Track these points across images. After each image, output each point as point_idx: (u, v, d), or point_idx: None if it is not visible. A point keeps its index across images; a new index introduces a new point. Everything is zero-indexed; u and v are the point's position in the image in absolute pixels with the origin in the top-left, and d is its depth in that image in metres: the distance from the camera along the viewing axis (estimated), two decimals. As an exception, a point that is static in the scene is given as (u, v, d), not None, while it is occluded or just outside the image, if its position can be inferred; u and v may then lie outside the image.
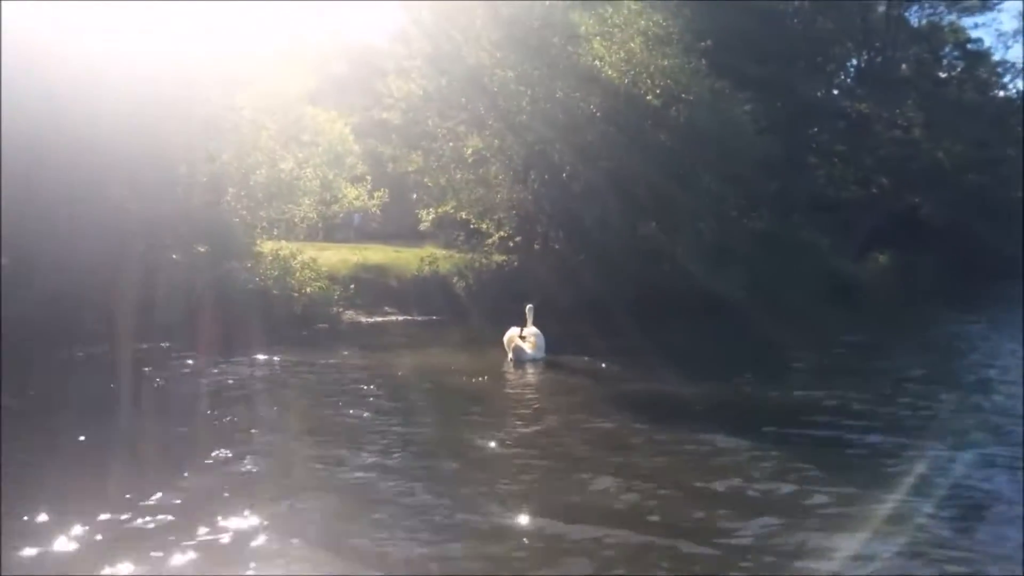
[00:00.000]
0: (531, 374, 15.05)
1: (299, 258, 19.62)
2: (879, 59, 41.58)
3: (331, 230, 31.83)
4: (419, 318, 22.03)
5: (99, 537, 7.02)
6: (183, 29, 16.28)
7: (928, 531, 7.36)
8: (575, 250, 23.66)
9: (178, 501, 7.81)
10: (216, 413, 11.35)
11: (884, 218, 37.04)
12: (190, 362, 14.73)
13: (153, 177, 16.24)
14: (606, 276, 22.03)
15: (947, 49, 44.66)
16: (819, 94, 39.97)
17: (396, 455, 9.47)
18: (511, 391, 13.80)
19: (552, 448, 9.85)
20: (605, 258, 22.72)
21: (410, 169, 25.63)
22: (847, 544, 6.98)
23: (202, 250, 17.59)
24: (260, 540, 7.04)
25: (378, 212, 24.13)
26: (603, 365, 15.64)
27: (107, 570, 6.46)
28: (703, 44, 24.67)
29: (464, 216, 25.50)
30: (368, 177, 21.74)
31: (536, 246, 25.13)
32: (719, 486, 8.37)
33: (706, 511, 7.65)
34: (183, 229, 17.11)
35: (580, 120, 23.03)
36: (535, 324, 16.51)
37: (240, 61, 17.79)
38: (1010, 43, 52.28)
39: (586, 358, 16.04)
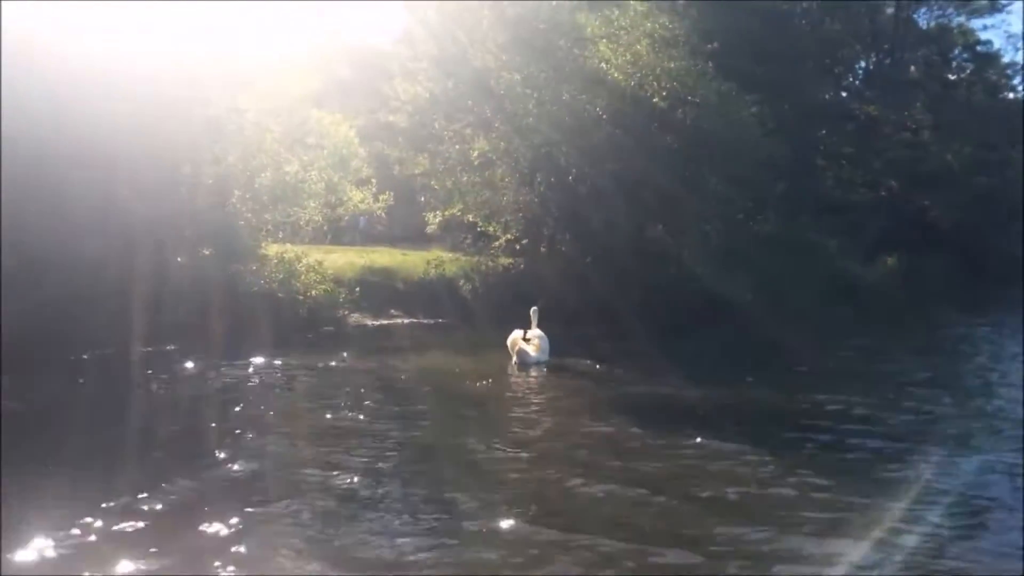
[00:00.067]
0: (534, 377, 15.02)
1: (304, 261, 19.59)
2: (888, 61, 41.48)
3: (338, 233, 31.90)
4: (425, 321, 22.01)
5: (99, 538, 7.06)
6: (185, 30, 16.28)
7: (928, 536, 7.33)
8: (581, 252, 23.58)
9: (179, 502, 7.88)
10: (218, 415, 11.38)
11: (893, 220, 36.86)
12: (195, 365, 14.75)
13: (158, 179, 16.24)
14: (612, 279, 21.96)
15: (956, 51, 44.52)
16: (827, 96, 39.85)
17: (393, 458, 9.49)
18: (513, 394, 13.76)
19: (551, 452, 9.84)
20: (611, 260, 22.65)
21: (416, 172, 25.63)
22: (847, 550, 6.95)
23: (207, 253, 17.60)
24: (259, 540, 7.09)
25: (383, 215, 24.11)
26: (607, 368, 15.63)
27: (107, 570, 6.50)
28: (710, 46, 24.61)
29: (471, 219, 25.48)
30: (373, 180, 21.69)
31: (543, 249, 25.09)
32: (718, 492, 8.33)
33: (704, 517, 7.61)
34: (188, 231, 17.12)
35: (586, 122, 22.96)
36: (539, 326, 16.49)
37: (243, 63, 17.76)
38: (1019, 45, 52.18)
39: (590, 361, 16.03)
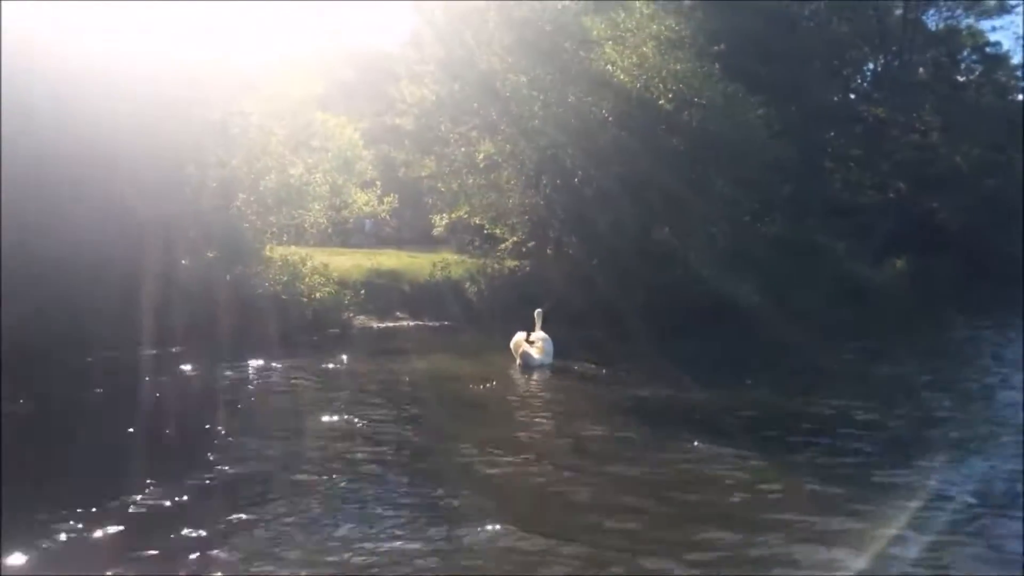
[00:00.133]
0: (538, 380, 14.97)
1: (309, 263, 19.59)
2: (896, 63, 41.32)
3: (346, 235, 31.95)
4: (430, 323, 21.99)
5: (98, 538, 7.08)
6: (189, 31, 16.33)
7: (928, 539, 7.28)
8: (587, 254, 23.56)
9: (179, 503, 7.90)
10: (217, 417, 11.40)
11: (901, 223, 36.73)
12: (198, 367, 14.73)
13: (162, 181, 16.30)
14: (618, 281, 21.91)
15: (965, 53, 44.32)
16: (835, 98, 39.76)
17: (388, 461, 9.52)
18: (515, 397, 13.71)
19: (548, 455, 9.80)
20: (617, 262, 22.62)
21: (423, 174, 25.66)
22: (846, 555, 6.91)
23: (212, 255, 17.64)
24: (255, 541, 7.13)
25: (388, 217, 24.12)
26: (611, 370, 15.59)
27: (106, 570, 6.50)
28: (716, 48, 24.61)
29: (477, 221, 25.51)
30: (378, 182, 21.69)
31: (549, 251, 25.08)
32: (717, 497, 8.28)
33: (702, 523, 7.55)
34: (193, 234, 17.16)
35: (592, 124, 22.95)
36: (544, 329, 16.46)
37: (247, 65, 17.80)
38: (1029, 46, 51.88)
39: (594, 364, 15.96)
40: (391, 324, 21.59)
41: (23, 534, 6.97)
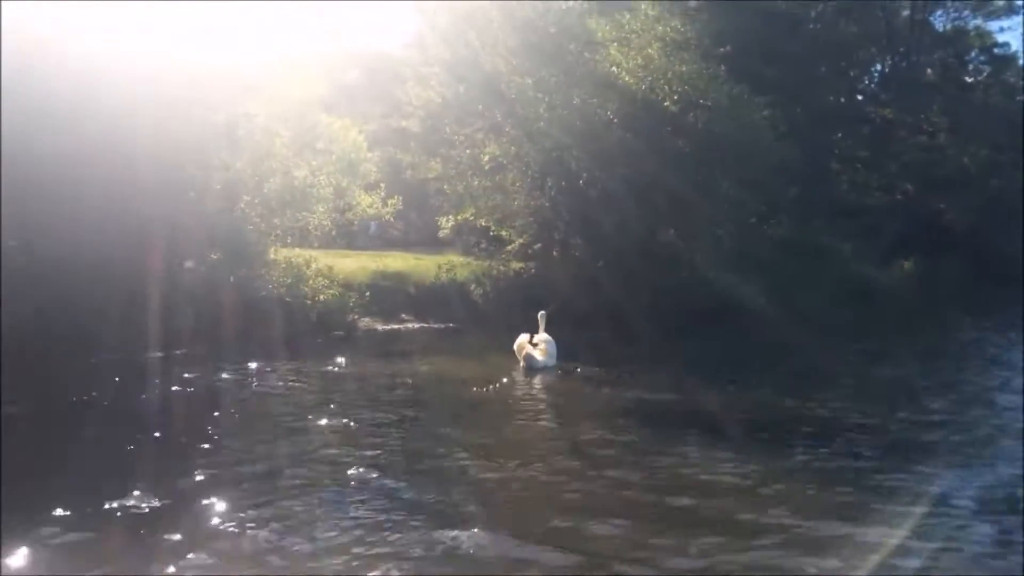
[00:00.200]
0: (541, 382, 14.91)
1: (313, 266, 19.62)
2: (903, 64, 41.23)
3: (351, 237, 32.01)
4: (435, 325, 22.01)
5: (99, 539, 7.09)
6: (194, 33, 16.37)
7: (928, 540, 7.25)
8: (593, 256, 23.56)
9: (180, 504, 7.89)
10: (219, 418, 11.43)
11: (909, 224, 36.65)
12: (201, 369, 14.73)
13: (166, 183, 16.33)
14: (623, 282, 21.90)
15: (973, 53, 44.21)
16: (842, 99, 39.70)
17: (387, 463, 9.42)
18: (517, 399, 13.66)
19: (548, 459, 9.70)
20: (622, 264, 22.61)
21: (429, 176, 25.70)
22: (845, 560, 6.87)
23: (216, 257, 17.68)
24: (257, 542, 7.10)
25: (392, 219, 24.15)
26: (615, 373, 15.53)
27: (106, 570, 6.53)
28: (722, 49, 24.61)
29: (483, 223, 25.53)
30: (382, 184, 21.71)
31: (555, 253, 25.09)
32: (717, 503, 8.13)
33: (700, 529, 7.41)
34: (197, 236, 17.19)
35: (597, 126, 22.95)
36: (548, 330, 16.45)
37: (252, 67, 17.83)
38: (1038, 47, 51.65)
39: (598, 367, 15.90)
40: (396, 326, 21.60)
41: (24, 535, 6.97)
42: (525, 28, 23.42)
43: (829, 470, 9.46)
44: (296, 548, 7.00)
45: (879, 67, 43.15)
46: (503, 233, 25.37)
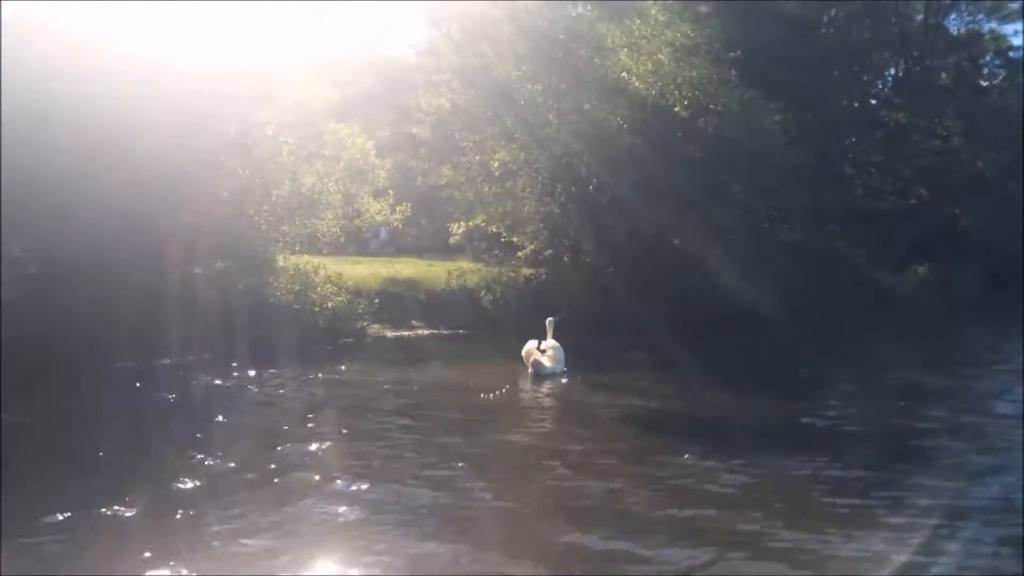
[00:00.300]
0: (549, 388, 14.91)
1: (322, 272, 19.61)
2: (917, 68, 41.00)
3: (363, 244, 32.07)
4: (445, 332, 21.94)
5: (96, 542, 7.20)
6: (204, 41, 16.39)
7: (928, 541, 7.20)
8: (603, 263, 23.48)
9: (180, 504, 8.05)
10: (223, 423, 11.56)
11: (923, 229, 36.42)
12: (209, 376, 14.79)
13: (175, 191, 16.36)
14: (634, 289, 21.84)
15: (987, 57, 43.92)
16: (855, 104, 39.49)
17: (388, 467, 9.48)
18: (523, 407, 13.68)
19: (550, 466, 9.73)
20: (634, 270, 22.56)
21: (440, 183, 25.69)
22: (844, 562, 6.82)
23: (224, 265, 17.69)
24: (256, 542, 7.26)
25: (401, 226, 24.13)
26: (625, 380, 15.52)
27: (106, 570, 6.65)
28: (733, 54, 24.44)
29: (494, 230, 25.51)
30: (391, 191, 21.69)
31: (565, 259, 25.03)
32: (716, 513, 8.13)
33: (699, 541, 7.39)
34: (206, 243, 17.20)
35: (607, 132, 22.87)
36: (558, 337, 16.42)
37: (263, 75, 17.84)
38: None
39: (606, 375, 15.86)
40: (406, 333, 21.55)
41: (23, 537, 7.13)
42: (535, 35, 23.39)
43: (834, 479, 9.45)
44: (286, 553, 7.08)
45: (893, 71, 42.93)
46: (514, 239, 25.32)
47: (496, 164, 23.77)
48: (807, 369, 17.12)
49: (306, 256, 20.28)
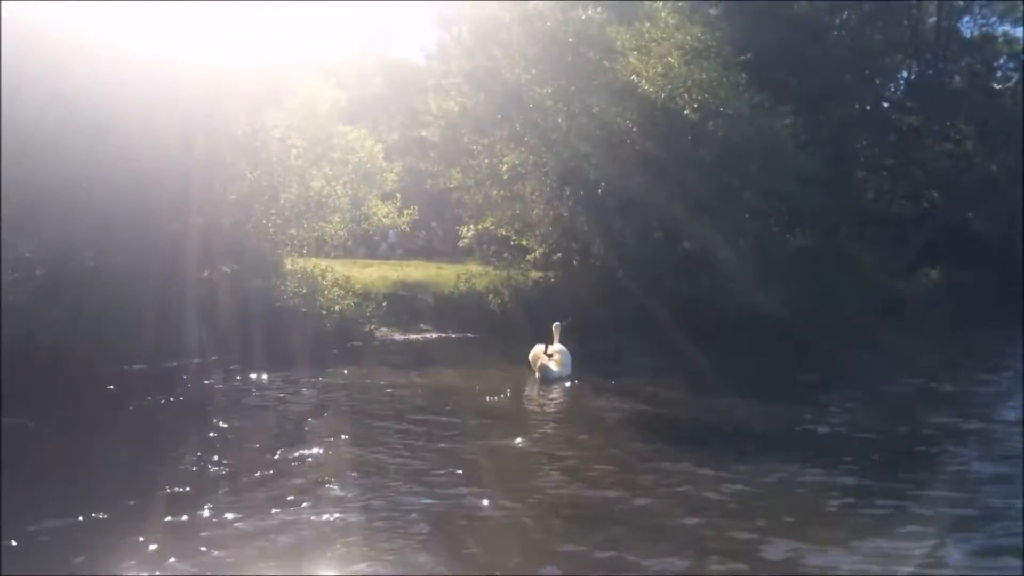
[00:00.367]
0: (555, 393, 14.86)
1: (329, 276, 19.60)
2: (930, 71, 40.72)
3: (374, 247, 32.13)
4: (453, 335, 21.93)
5: (99, 539, 7.27)
6: (213, 44, 16.41)
7: (928, 541, 7.16)
8: (613, 266, 23.42)
9: (182, 506, 8.10)
10: (227, 425, 11.57)
11: (935, 233, 36.24)
12: (214, 379, 14.81)
13: (183, 194, 16.38)
14: (644, 292, 21.80)
15: (1001, 60, 43.60)
16: (867, 107, 39.26)
17: (390, 471, 9.47)
18: (528, 411, 13.63)
19: (553, 472, 9.69)
20: (643, 274, 22.48)
21: (450, 186, 25.69)
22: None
23: (232, 268, 17.70)
24: (256, 543, 7.29)
25: (408, 229, 24.14)
26: (633, 384, 15.43)
27: (106, 570, 6.71)
28: (743, 57, 24.35)
29: (503, 233, 25.49)
30: (398, 194, 21.67)
31: (574, 262, 24.99)
32: (715, 526, 8.02)
33: (698, 555, 7.33)
34: (213, 247, 17.21)
35: (616, 135, 22.83)
36: (566, 341, 16.39)
37: (271, 78, 17.85)
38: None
39: (613, 380, 15.76)
40: (414, 336, 21.54)
41: (24, 535, 7.19)
42: (544, 37, 23.36)
43: (837, 487, 9.34)
44: (286, 555, 7.12)
45: (905, 74, 42.58)
46: (523, 242, 25.30)
47: (505, 167, 23.73)
48: (815, 374, 17.03)
49: (314, 259, 20.29)
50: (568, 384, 15.49)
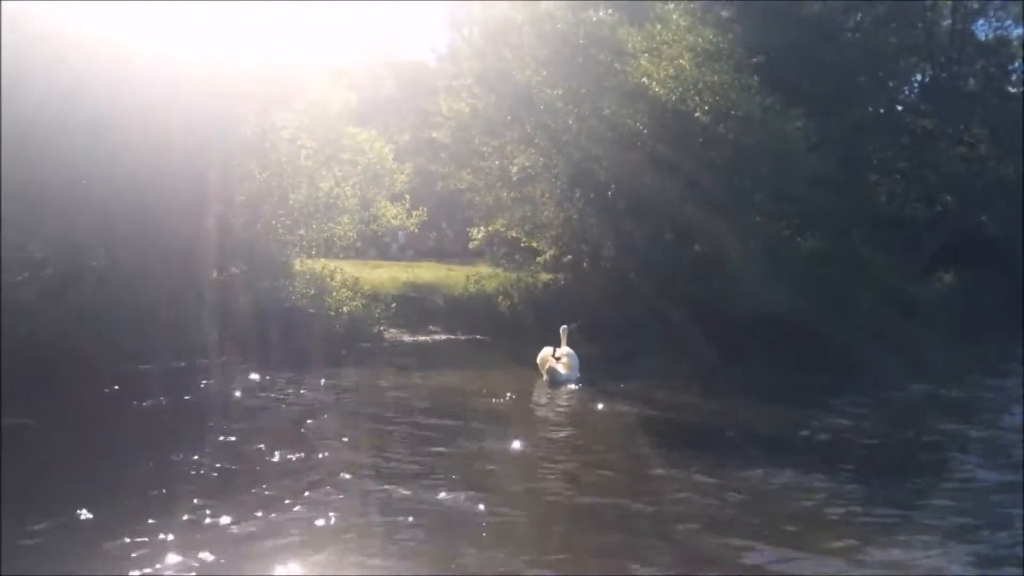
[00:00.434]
0: (561, 396, 14.81)
1: (338, 276, 19.59)
2: (944, 74, 40.51)
3: (384, 248, 32.14)
4: (462, 337, 21.89)
5: (98, 539, 7.26)
6: (224, 46, 16.41)
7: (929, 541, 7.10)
8: (623, 268, 23.36)
9: (182, 506, 8.11)
10: (231, 426, 11.54)
11: (949, 236, 36.03)
12: (221, 380, 14.82)
13: (191, 194, 16.38)
14: (655, 295, 21.73)
15: (1016, 63, 43.33)
16: (881, 110, 39.06)
17: (392, 474, 9.47)
18: (533, 415, 13.59)
19: (557, 476, 9.64)
20: (653, 276, 22.41)
21: (461, 187, 25.68)
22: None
23: (240, 269, 17.70)
24: (256, 543, 7.34)
25: (416, 231, 24.14)
26: (640, 388, 15.41)
27: (106, 570, 6.71)
28: (755, 59, 24.26)
29: (514, 234, 25.46)
30: (407, 195, 21.66)
31: (585, 264, 24.94)
32: (717, 533, 7.97)
33: (698, 564, 7.28)
34: (222, 247, 17.21)
35: (627, 137, 22.77)
36: (575, 344, 16.35)
37: (281, 78, 17.84)
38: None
39: (622, 383, 15.72)
40: (423, 338, 21.51)
41: (24, 535, 7.21)
42: (555, 39, 23.31)
43: (840, 495, 9.29)
44: (286, 555, 7.14)
45: (919, 77, 42.38)
46: (533, 244, 25.28)
47: (515, 169, 23.71)
48: (825, 378, 16.96)
49: (323, 260, 20.28)
50: (576, 387, 15.42)
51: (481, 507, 8.33)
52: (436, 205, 28.90)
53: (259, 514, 7.90)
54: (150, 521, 7.59)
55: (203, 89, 16.11)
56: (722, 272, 23.24)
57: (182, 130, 15.85)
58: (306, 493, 8.57)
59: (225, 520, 7.75)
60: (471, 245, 27.30)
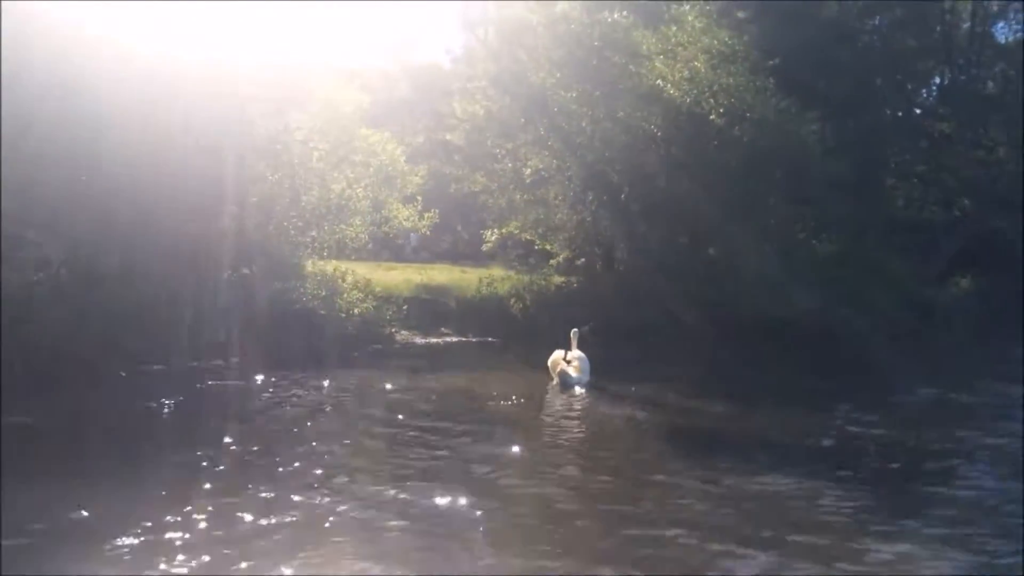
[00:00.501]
0: (574, 399, 14.71)
1: (349, 278, 19.59)
2: (963, 77, 40.24)
3: (398, 250, 32.17)
4: (474, 339, 21.82)
5: (99, 539, 7.22)
6: (235, 44, 16.44)
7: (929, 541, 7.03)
8: (636, 271, 23.30)
9: (184, 506, 8.05)
10: (236, 427, 11.51)
11: (966, 240, 35.76)
12: (233, 380, 14.83)
13: (204, 196, 16.42)
14: (667, 298, 21.68)
15: (1036, 66, 43.05)
16: (899, 113, 38.84)
17: (397, 475, 9.41)
18: (541, 418, 13.46)
19: (563, 479, 9.57)
20: (666, 280, 22.35)
21: (475, 189, 25.68)
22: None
23: (251, 270, 17.73)
24: (256, 543, 7.30)
25: (428, 232, 24.15)
26: (652, 391, 15.25)
27: (106, 570, 6.70)
28: (771, 62, 24.16)
29: (527, 237, 25.44)
30: (419, 197, 21.66)
31: (598, 267, 24.90)
32: (717, 539, 7.86)
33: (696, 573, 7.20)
34: (234, 248, 17.25)
35: (641, 140, 22.73)
36: (587, 347, 16.28)
37: (294, 80, 17.87)
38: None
39: (633, 386, 15.57)
40: (435, 340, 21.45)
41: (24, 536, 7.20)
42: (570, 41, 23.28)
43: (842, 501, 9.10)
44: (286, 555, 7.09)
45: (937, 80, 42.10)
46: (547, 247, 25.25)
47: (529, 171, 23.72)
48: (836, 382, 16.81)
49: (334, 262, 20.28)
50: (588, 390, 15.34)
51: (481, 511, 8.26)
52: (450, 207, 28.93)
53: (259, 514, 7.86)
54: (150, 521, 7.57)
55: (206, 89, 16.12)
56: (736, 275, 23.14)
57: (182, 129, 15.88)
58: (307, 494, 8.54)
59: (225, 520, 7.72)
60: (484, 247, 27.28)
